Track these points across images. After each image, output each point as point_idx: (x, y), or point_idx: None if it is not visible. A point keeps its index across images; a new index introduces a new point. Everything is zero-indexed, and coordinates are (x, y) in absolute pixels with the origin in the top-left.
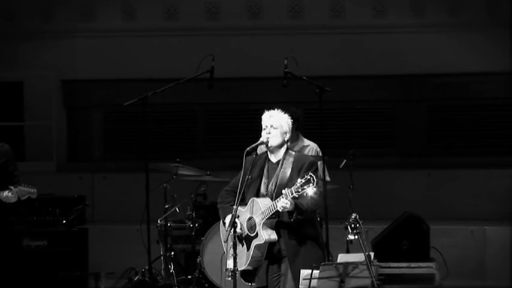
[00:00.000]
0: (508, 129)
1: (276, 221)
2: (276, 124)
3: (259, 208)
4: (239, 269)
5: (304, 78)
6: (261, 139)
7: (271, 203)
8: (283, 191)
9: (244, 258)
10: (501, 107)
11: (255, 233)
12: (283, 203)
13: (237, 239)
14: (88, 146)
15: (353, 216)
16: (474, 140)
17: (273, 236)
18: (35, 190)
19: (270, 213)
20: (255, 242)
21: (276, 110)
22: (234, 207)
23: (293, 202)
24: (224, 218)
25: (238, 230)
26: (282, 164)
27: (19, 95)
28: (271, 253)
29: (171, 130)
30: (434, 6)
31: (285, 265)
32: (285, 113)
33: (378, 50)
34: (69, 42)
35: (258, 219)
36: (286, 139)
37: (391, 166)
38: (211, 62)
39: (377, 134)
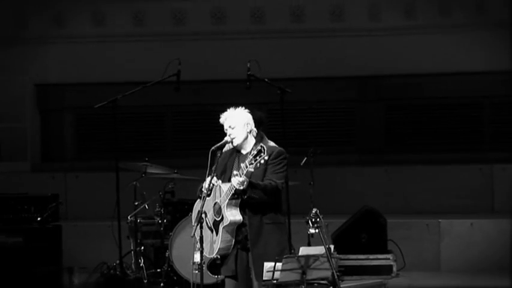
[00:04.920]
0: (462, 127)
1: (240, 201)
2: (233, 124)
3: (222, 192)
4: (208, 256)
5: (266, 80)
6: (226, 138)
7: (230, 183)
8: (234, 172)
9: (214, 245)
10: (455, 106)
11: (220, 216)
12: (238, 178)
13: (206, 226)
14: (61, 147)
15: (313, 211)
16: (429, 138)
17: (238, 216)
18: None
19: (231, 193)
20: (222, 225)
21: (228, 109)
22: (201, 202)
23: (247, 179)
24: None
25: (206, 220)
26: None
27: None
28: (237, 240)
29: (140, 131)
30: (390, 8)
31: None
32: (236, 107)
33: (337, 53)
34: (41, 48)
35: (222, 202)
36: (248, 130)
37: (350, 163)
38: (178, 65)
39: (337, 133)
